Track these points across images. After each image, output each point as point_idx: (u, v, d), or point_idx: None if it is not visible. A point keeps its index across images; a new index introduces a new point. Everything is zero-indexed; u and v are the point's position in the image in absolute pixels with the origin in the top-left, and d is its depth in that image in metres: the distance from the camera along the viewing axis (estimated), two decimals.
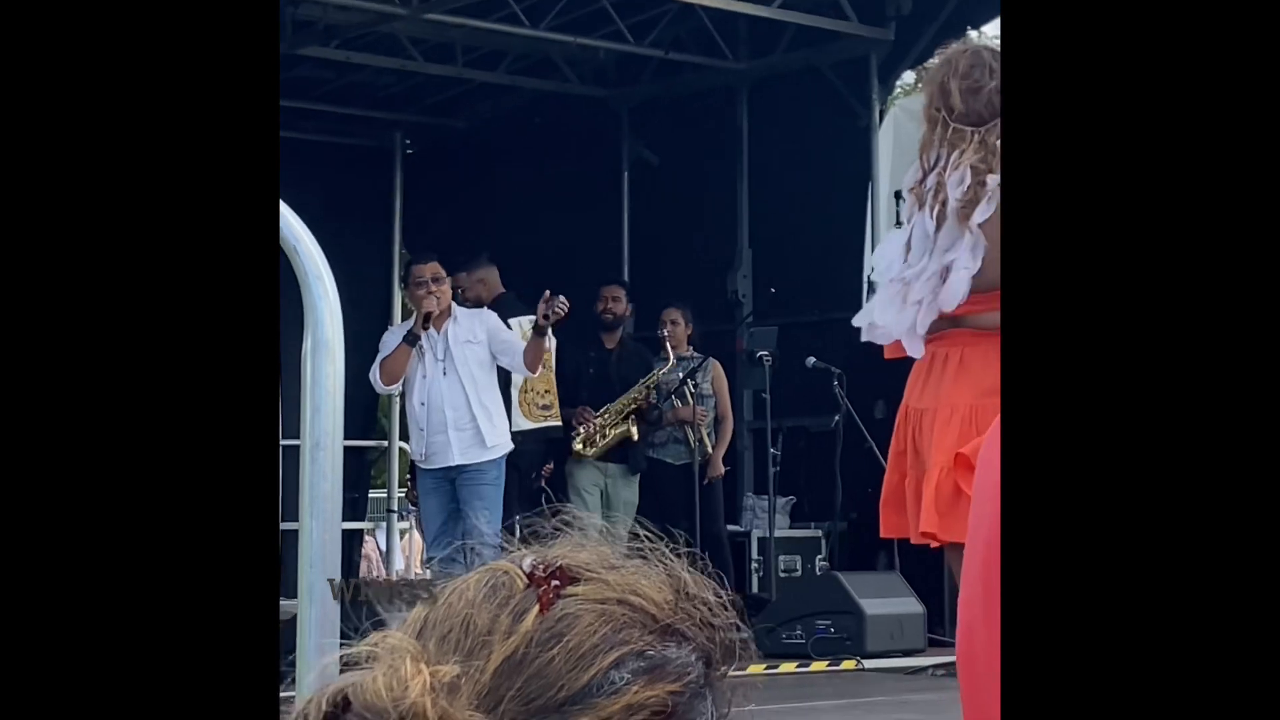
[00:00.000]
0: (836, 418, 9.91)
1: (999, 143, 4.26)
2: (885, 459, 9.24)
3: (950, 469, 4.26)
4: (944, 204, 4.27)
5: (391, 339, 8.73)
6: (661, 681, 0.95)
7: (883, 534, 4.86)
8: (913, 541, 4.58)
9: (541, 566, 0.97)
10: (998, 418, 1.09)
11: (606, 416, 9.54)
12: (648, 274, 12.35)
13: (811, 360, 9.92)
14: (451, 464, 8.48)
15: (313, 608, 2.23)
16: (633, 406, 9.56)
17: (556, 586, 0.96)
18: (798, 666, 8.56)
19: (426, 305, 8.54)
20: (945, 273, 4.28)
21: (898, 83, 12.43)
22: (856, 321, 4.60)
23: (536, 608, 0.95)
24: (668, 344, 10.17)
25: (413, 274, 8.81)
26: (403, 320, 9.88)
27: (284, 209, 2.37)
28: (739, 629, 1.02)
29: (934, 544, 4.47)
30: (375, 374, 8.61)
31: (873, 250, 11.65)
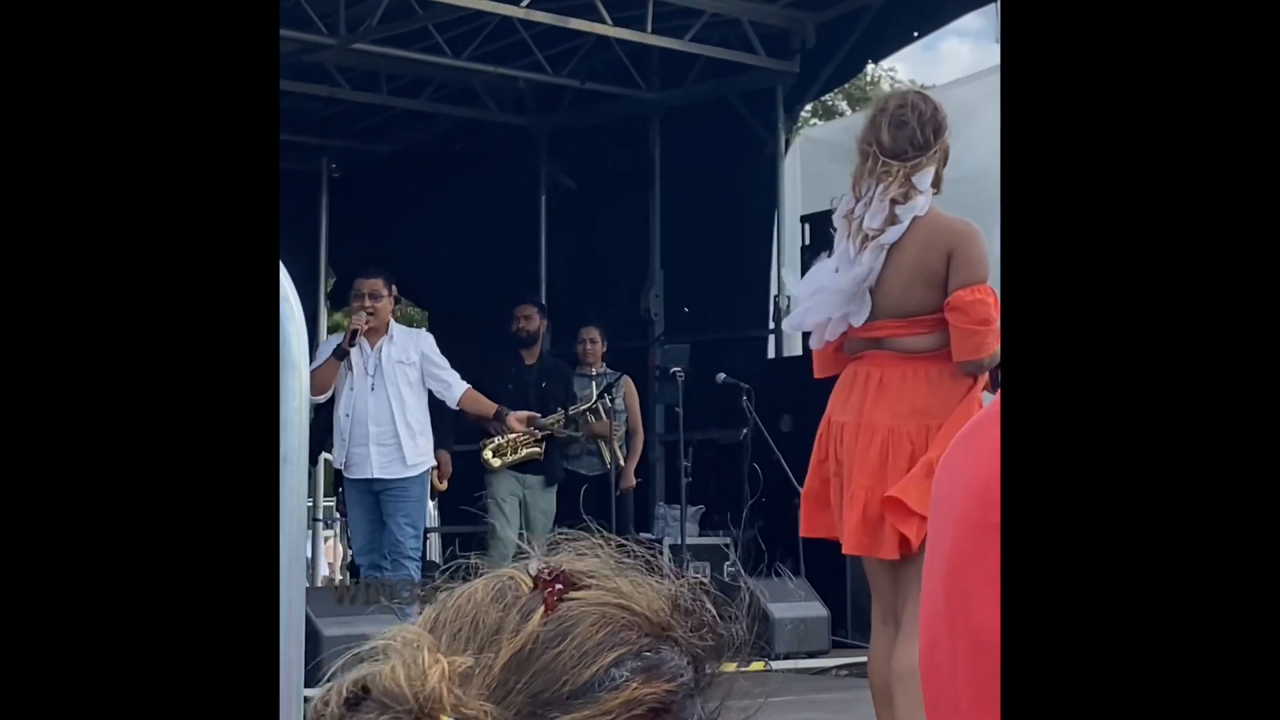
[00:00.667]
0: (745, 431, 9.92)
1: (917, 177, 4.44)
2: (791, 471, 9.36)
3: (874, 496, 4.41)
4: (864, 233, 4.44)
5: (324, 350, 8.57)
6: (658, 680, 0.97)
7: (803, 533, 4.92)
8: (844, 551, 4.69)
9: (546, 571, 0.99)
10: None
11: (523, 436, 9.50)
12: (564, 293, 12.37)
13: (721, 376, 9.93)
14: (370, 476, 8.36)
15: (284, 613, 2.23)
16: (547, 432, 9.52)
17: (560, 590, 0.98)
18: None
19: (354, 322, 8.43)
20: (859, 292, 4.41)
21: (802, 112, 12.48)
22: (786, 325, 4.77)
23: (542, 608, 0.97)
24: (584, 361, 10.23)
25: (354, 287, 8.66)
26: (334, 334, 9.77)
27: None
28: (730, 634, 1.06)
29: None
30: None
31: (779, 271, 11.74)
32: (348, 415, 8.41)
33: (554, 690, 0.94)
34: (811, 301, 4.61)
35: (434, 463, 8.60)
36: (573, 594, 0.98)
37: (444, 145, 14.00)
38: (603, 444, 10.01)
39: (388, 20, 11.08)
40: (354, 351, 8.41)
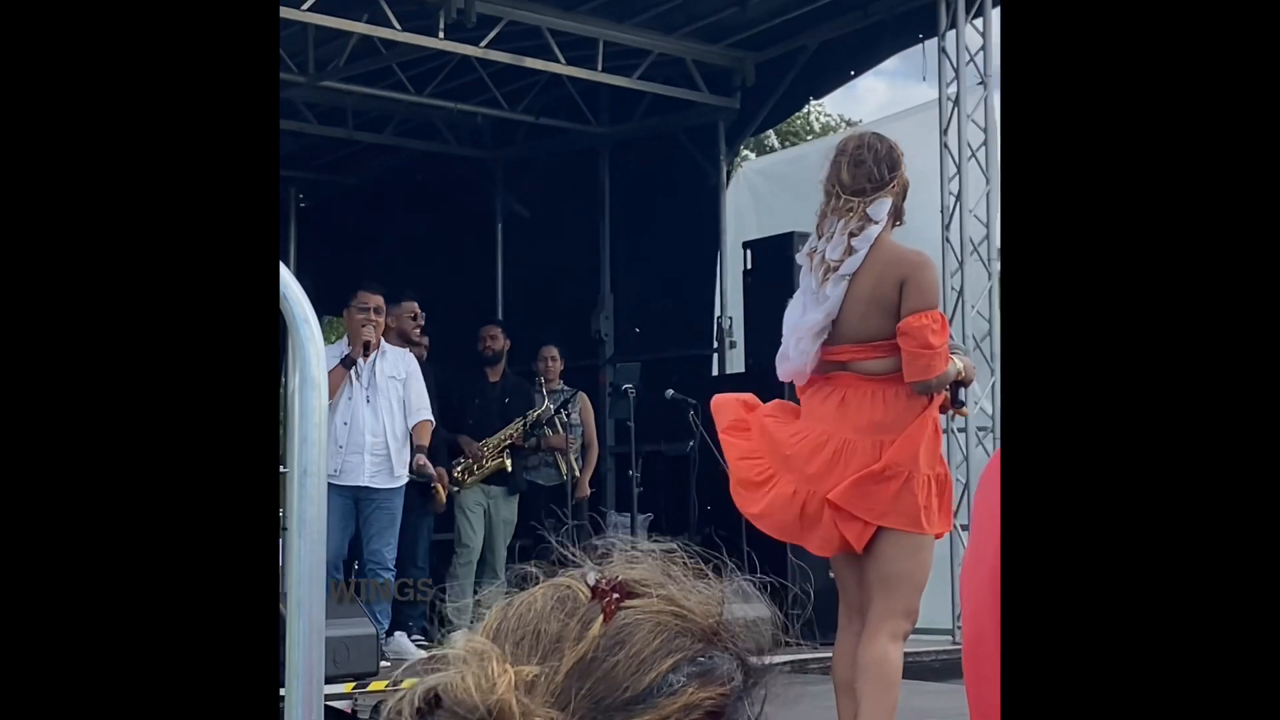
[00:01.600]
0: (691, 443, 9.90)
1: (873, 210, 4.50)
2: None
3: (815, 495, 4.49)
4: (827, 265, 4.50)
5: (330, 359, 8.39)
6: (712, 685, 0.98)
7: (753, 517, 4.85)
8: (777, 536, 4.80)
9: (604, 581, 0.98)
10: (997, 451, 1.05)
11: (486, 449, 9.47)
12: (521, 315, 12.32)
13: (669, 392, 9.92)
14: (361, 484, 8.19)
15: (301, 620, 2.21)
16: (508, 441, 9.51)
17: (617, 599, 0.97)
18: None
19: (365, 334, 8.28)
20: (826, 322, 4.50)
21: (743, 146, 12.50)
22: (780, 375, 4.83)
23: (601, 617, 0.96)
24: (544, 378, 10.23)
25: (358, 299, 8.44)
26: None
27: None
28: (779, 635, 1.11)
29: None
30: None
31: (722, 294, 11.77)
32: (345, 423, 8.20)
33: (615, 696, 0.94)
34: (791, 347, 4.64)
35: (408, 478, 8.42)
36: (629, 602, 0.97)
37: (406, 176, 13.97)
38: (560, 456, 10.01)
39: (354, 59, 11.04)
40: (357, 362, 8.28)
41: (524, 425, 9.55)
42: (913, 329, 4.42)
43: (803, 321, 4.54)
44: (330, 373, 8.01)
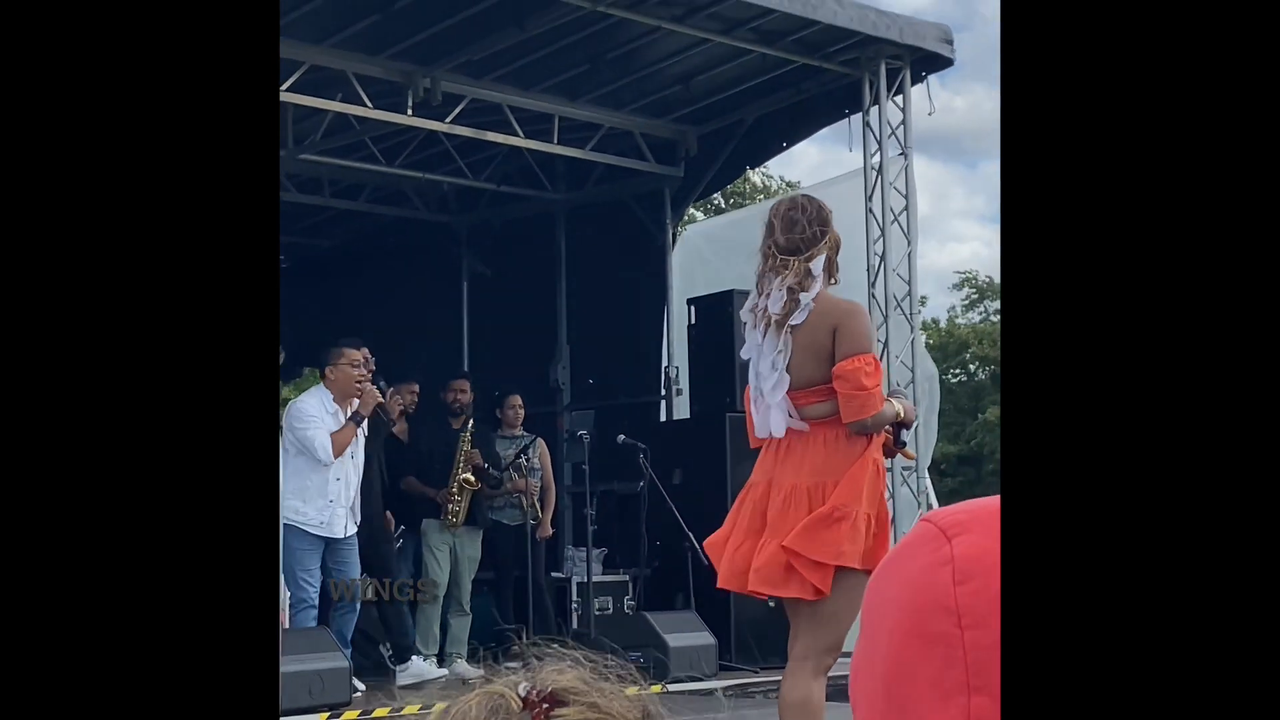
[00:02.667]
0: (641, 484, 9.89)
1: (811, 265, 4.45)
2: (682, 518, 9.32)
3: (774, 544, 4.37)
4: (770, 318, 4.44)
5: (309, 408, 7.95)
6: None
7: (721, 584, 4.74)
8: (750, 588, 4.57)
9: (534, 691, 0.94)
10: (882, 563, 1.01)
11: (454, 490, 9.40)
12: (484, 366, 12.30)
13: (621, 437, 9.91)
14: (343, 535, 7.91)
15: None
16: (460, 475, 9.39)
17: (547, 708, 0.93)
18: None
19: (367, 389, 7.93)
20: (772, 375, 4.42)
21: (686, 211, 12.55)
22: (759, 432, 4.61)
23: None
24: (508, 424, 10.24)
25: (346, 356, 8.01)
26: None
27: None
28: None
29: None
30: (326, 446, 7.76)
31: (669, 346, 11.78)
32: (339, 479, 7.87)
33: None
34: (772, 409, 4.50)
35: None
36: (558, 711, 0.94)
37: (378, 240, 13.94)
38: (522, 498, 9.98)
39: (329, 134, 11.06)
40: (335, 417, 7.92)
41: (464, 454, 9.43)
42: (846, 372, 4.35)
43: (770, 382, 4.45)
44: (343, 431, 7.79)
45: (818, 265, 4.47)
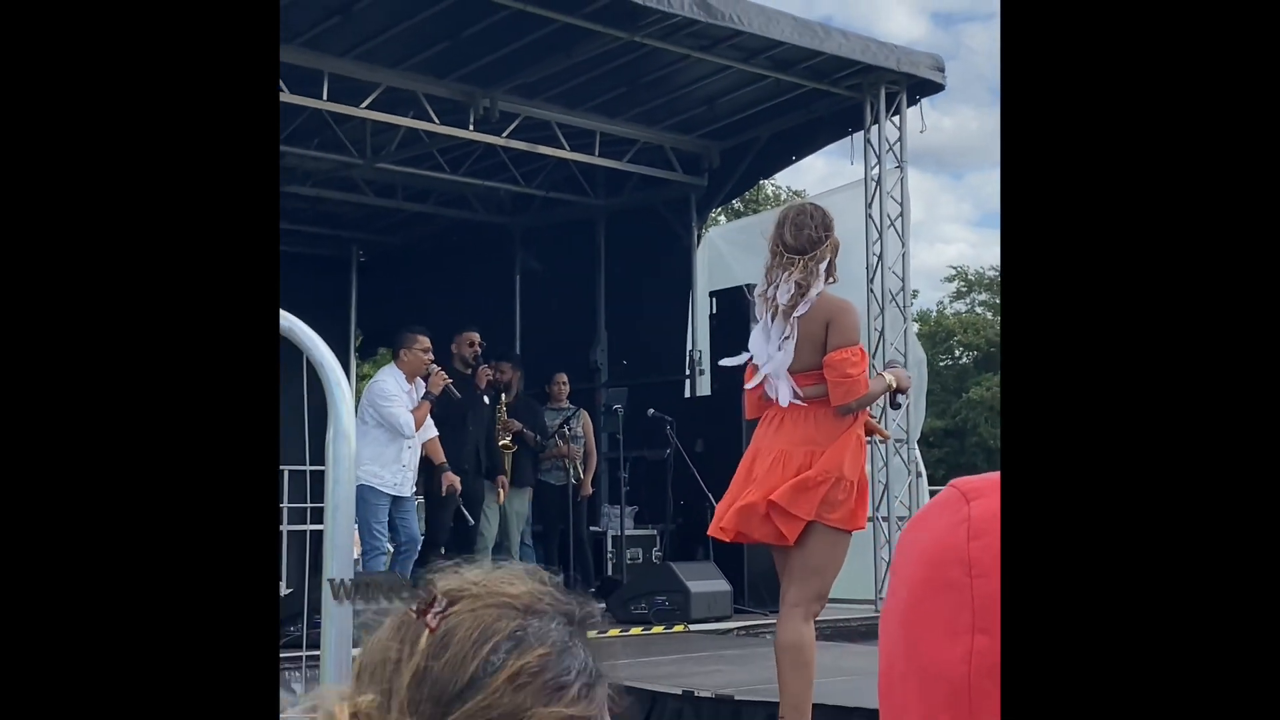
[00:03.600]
0: (668, 451, 9.90)
1: (816, 264, 4.47)
2: (703, 481, 9.32)
3: (761, 498, 4.40)
4: (777, 306, 4.47)
5: (389, 387, 7.96)
6: (530, 650, 0.91)
7: (710, 532, 4.78)
8: (713, 534, 4.65)
9: (422, 599, 0.92)
10: (910, 522, 0.99)
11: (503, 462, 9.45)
12: (533, 349, 12.31)
13: (651, 411, 9.92)
14: (404, 495, 7.98)
15: (332, 629, 2.12)
16: (499, 441, 9.42)
17: (441, 611, 0.91)
18: (642, 630, 8.46)
19: (442, 375, 8.02)
20: (782, 356, 4.44)
21: (710, 216, 12.51)
22: (746, 393, 4.66)
23: (427, 631, 0.91)
24: (554, 398, 10.24)
25: (418, 342, 8.05)
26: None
27: (312, 335, 2.27)
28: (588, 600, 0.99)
29: (733, 539, 4.64)
30: (409, 422, 7.82)
31: (693, 332, 11.76)
32: (410, 448, 7.95)
33: (449, 691, 0.89)
34: (780, 384, 4.51)
35: None
36: (453, 609, 0.92)
37: (443, 239, 13.95)
38: (566, 461, 9.99)
39: (402, 146, 11.06)
40: (411, 395, 8.00)
41: (502, 424, 9.48)
42: (834, 362, 4.39)
43: (778, 362, 4.46)
44: (419, 409, 7.89)
45: (821, 265, 4.49)
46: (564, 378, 10.30)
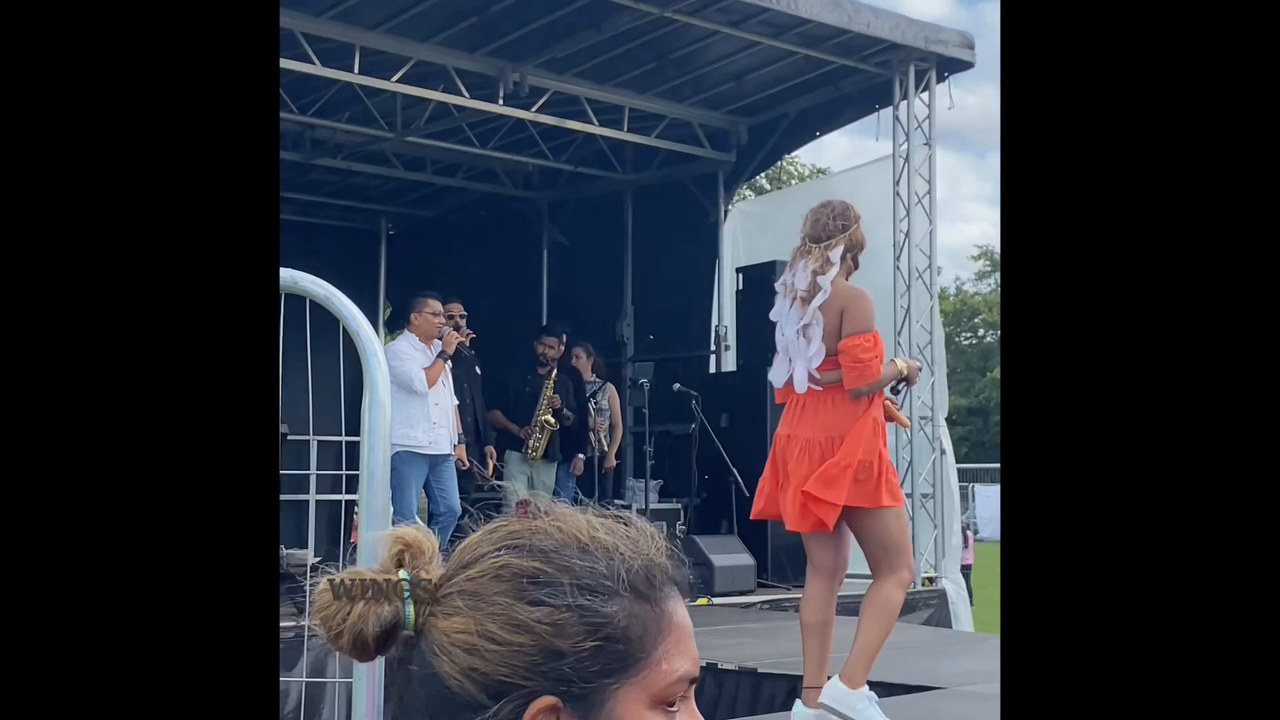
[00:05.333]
0: (693, 426, 9.89)
1: (829, 253, 4.61)
2: (728, 456, 9.33)
3: (797, 493, 4.54)
4: (796, 293, 4.62)
5: (401, 348, 8.13)
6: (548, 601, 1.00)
7: (753, 516, 4.93)
8: (788, 529, 4.72)
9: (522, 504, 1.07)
10: None
11: (535, 428, 9.47)
12: (560, 322, 12.31)
13: (676, 385, 9.91)
14: (443, 452, 8.10)
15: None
16: (543, 415, 9.48)
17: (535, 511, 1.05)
18: None
19: (453, 336, 8.22)
20: (805, 340, 4.58)
21: (737, 191, 12.47)
22: (770, 378, 4.79)
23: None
24: (581, 371, 10.24)
25: (428, 305, 8.26)
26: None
27: (349, 304, 2.27)
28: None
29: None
30: (421, 378, 7.95)
31: (719, 307, 11.76)
32: (437, 404, 8.08)
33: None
34: (798, 370, 4.65)
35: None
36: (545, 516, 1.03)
37: (472, 212, 13.96)
38: (592, 434, 10.01)
39: (432, 120, 11.06)
40: (427, 355, 8.18)
41: (546, 400, 9.53)
42: (848, 348, 4.51)
43: (810, 351, 4.58)
44: (435, 366, 8.02)
45: (835, 254, 4.59)
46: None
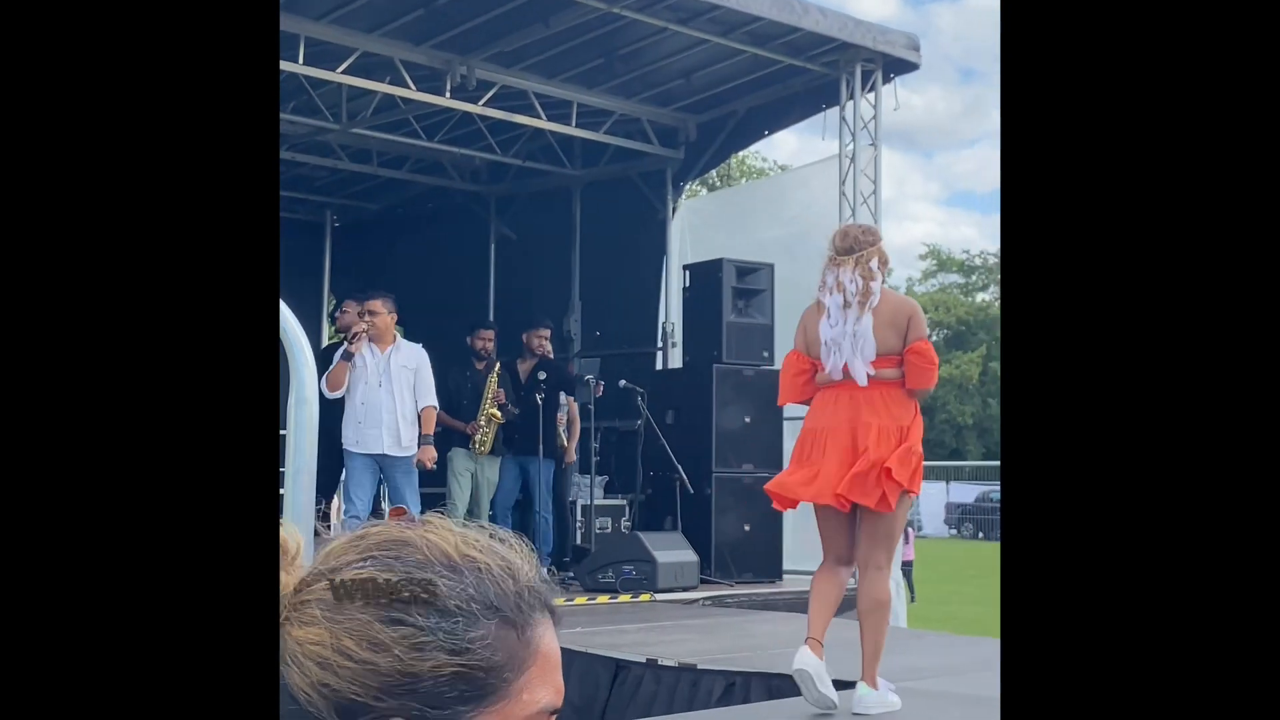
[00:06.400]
0: (639, 422, 9.90)
1: (869, 262, 4.99)
2: (672, 452, 9.35)
3: (874, 464, 4.81)
4: (845, 294, 4.94)
5: (336, 358, 8.24)
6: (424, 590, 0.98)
7: (784, 507, 5.24)
8: (822, 501, 4.94)
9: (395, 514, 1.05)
10: None
11: (481, 421, 9.44)
12: (507, 317, 12.30)
13: (622, 381, 9.91)
14: (380, 452, 8.08)
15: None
16: (489, 409, 9.45)
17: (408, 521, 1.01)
18: (610, 598, 8.50)
19: (356, 328, 8.25)
20: (859, 339, 4.91)
21: (685, 188, 12.49)
22: (829, 368, 5.05)
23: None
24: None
25: (344, 305, 8.41)
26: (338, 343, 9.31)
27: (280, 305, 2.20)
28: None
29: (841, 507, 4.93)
30: (323, 384, 7.86)
31: (666, 304, 11.77)
32: (363, 404, 8.09)
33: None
34: (857, 366, 4.96)
35: (416, 449, 8.25)
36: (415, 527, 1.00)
37: (419, 205, 13.89)
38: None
39: (378, 112, 11.00)
40: (369, 356, 8.15)
41: (491, 393, 9.51)
42: (924, 350, 4.91)
43: (868, 350, 4.91)
44: (336, 368, 8.00)
45: (874, 263, 4.98)
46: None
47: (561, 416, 9.94)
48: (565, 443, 10.00)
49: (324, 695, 0.90)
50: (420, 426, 8.29)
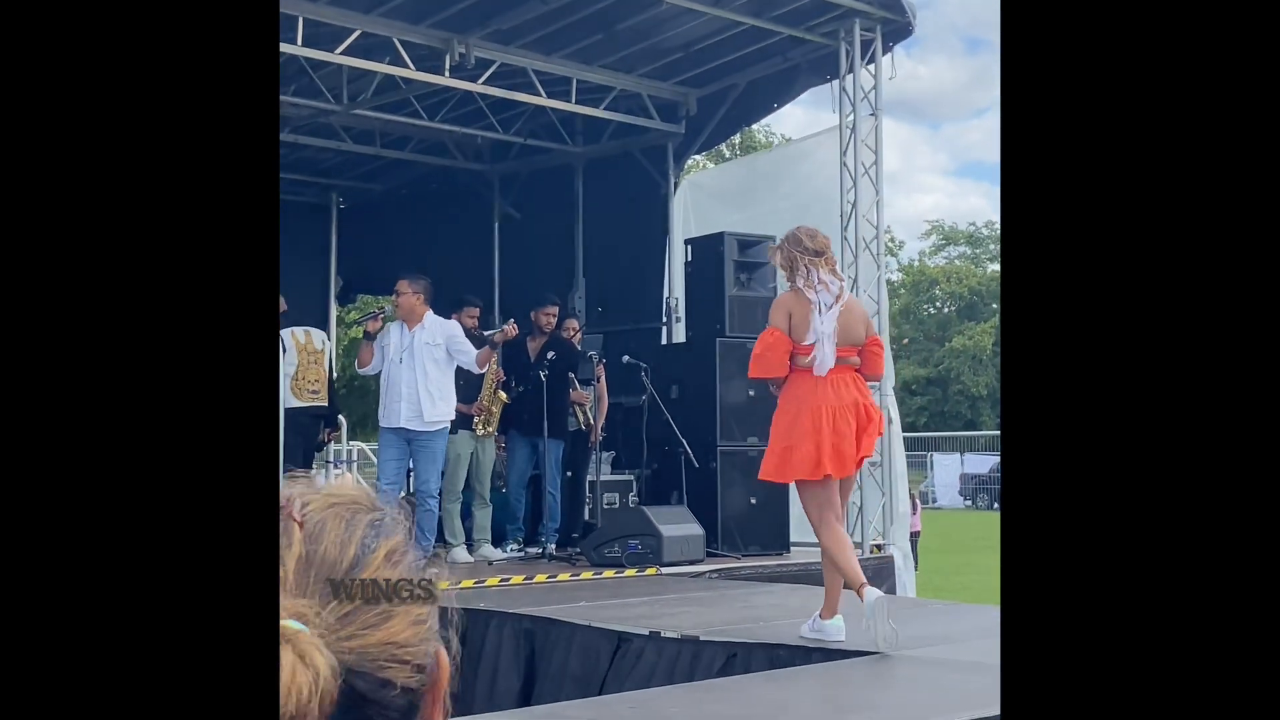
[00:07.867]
0: (644, 397, 9.91)
1: (835, 265, 5.74)
2: (677, 427, 9.38)
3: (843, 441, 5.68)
4: (830, 292, 5.63)
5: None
6: (392, 534, 1.01)
7: (787, 479, 6.00)
8: (850, 473, 5.79)
9: (284, 506, 1.02)
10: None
11: (485, 402, 9.48)
12: (511, 294, 12.33)
13: (626, 357, 9.93)
14: (398, 426, 8.39)
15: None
16: (491, 389, 9.51)
17: (300, 511, 1.00)
18: (616, 573, 8.54)
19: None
20: (839, 332, 5.62)
21: (686, 163, 12.49)
22: (822, 360, 5.76)
23: (297, 525, 0.99)
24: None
25: (397, 286, 8.73)
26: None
27: None
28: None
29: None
30: (361, 362, 8.81)
31: (669, 279, 11.77)
32: (386, 379, 8.52)
33: (340, 568, 0.97)
34: (828, 354, 5.68)
35: (447, 422, 8.56)
36: (308, 508, 1.00)
37: (422, 185, 13.91)
38: (578, 409, 10.04)
39: (380, 92, 11.00)
40: (397, 334, 8.58)
41: (495, 373, 9.58)
42: (880, 341, 5.91)
43: (823, 329, 5.62)
44: (361, 349, 8.69)
45: (837, 265, 5.81)
46: (574, 324, 10.33)
47: (587, 395, 9.98)
48: (591, 420, 10.04)
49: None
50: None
